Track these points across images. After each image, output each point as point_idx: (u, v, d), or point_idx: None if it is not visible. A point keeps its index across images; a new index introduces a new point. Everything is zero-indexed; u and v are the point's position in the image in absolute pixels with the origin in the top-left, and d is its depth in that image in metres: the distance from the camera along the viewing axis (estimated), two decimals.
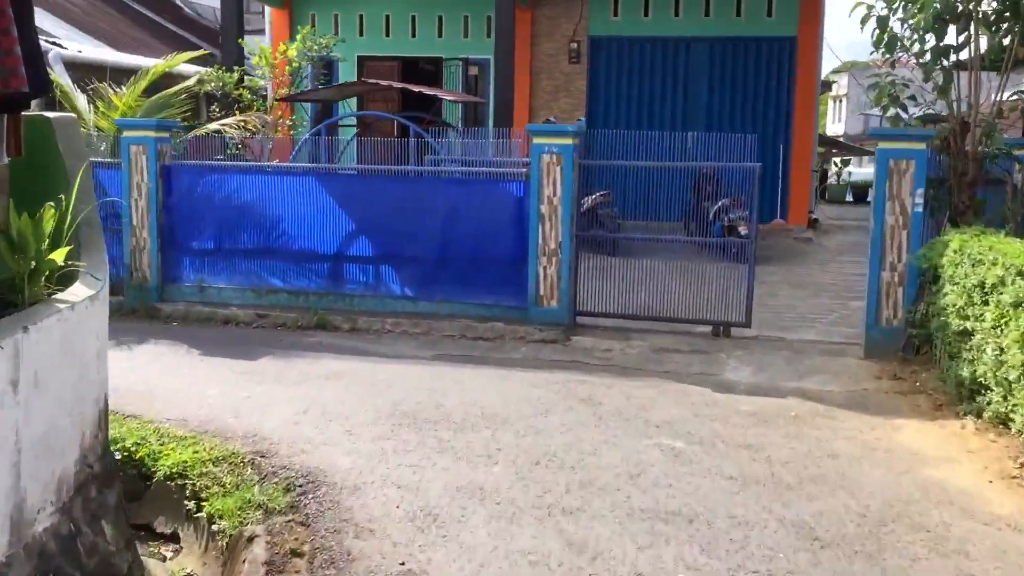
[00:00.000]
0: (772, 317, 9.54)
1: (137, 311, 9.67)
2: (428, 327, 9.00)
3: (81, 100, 11.03)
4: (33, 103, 4.28)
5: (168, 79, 11.83)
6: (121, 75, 11.65)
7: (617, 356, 8.23)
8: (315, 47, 13.43)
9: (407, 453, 5.63)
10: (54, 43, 13.59)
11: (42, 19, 15.80)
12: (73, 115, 4.80)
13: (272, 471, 5.40)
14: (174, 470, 5.51)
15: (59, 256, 3.99)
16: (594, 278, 9.26)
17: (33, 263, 3.86)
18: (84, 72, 12.24)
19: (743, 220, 11.97)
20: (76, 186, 4.18)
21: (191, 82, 11.25)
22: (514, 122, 13.65)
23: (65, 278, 4.20)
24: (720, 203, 12.02)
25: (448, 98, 13.22)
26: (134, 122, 9.94)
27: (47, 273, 4.02)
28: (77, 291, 4.04)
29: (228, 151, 11.12)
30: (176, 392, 6.91)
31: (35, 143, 4.53)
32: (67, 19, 17.26)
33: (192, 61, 13.31)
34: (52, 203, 3.98)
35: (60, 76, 11.80)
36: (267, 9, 17.35)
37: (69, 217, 4.14)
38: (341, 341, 8.67)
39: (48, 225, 3.93)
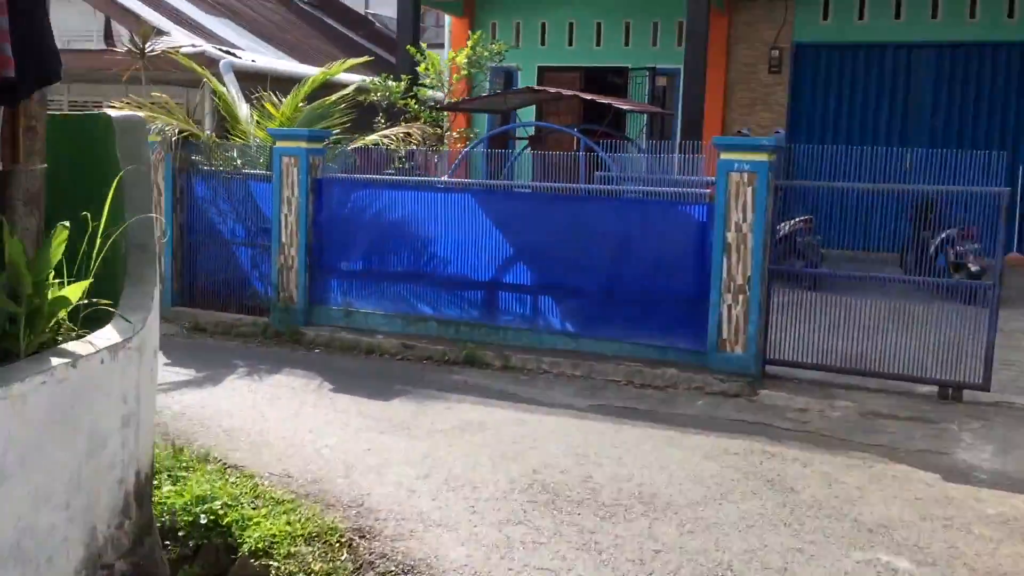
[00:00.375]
0: (1016, 377, 7.70)
1: (282, 335, 8.99)
2: (590, 369, 7.79)
3: (243, 109, 10.56)
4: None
5: (334, 90, 11.21)
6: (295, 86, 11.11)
7: (815, 420, 6.73)
8: (486, 54, 12.53)
9: (537, 548, 4.44)
10: (228, 52, 13.39)
11: (226, 30, 15.81)
12: (140, 115, 3.94)
13: (370, 560, 4.36)
14: (260, 545, 4.59)
15: (73, 292, 3.07)
16: (789, 319, 7.72)
17: (35, 301, 2.96)
18: (257, 82, 11.85)
19: (974, 254, 10.10)
20: (109, 201, 3.26)
21: (349, 90, 10.53)
22: (704, 137, 12.24)
23: (100, 317, 3.31)
24: (944, 233, 10.22)
25: (624, 108, 11.96)
26: (285, 132, 9.26)
27: (61, 313, 3.12)
28: (97, 339, 3.11)
29: (395, 164, 10.33)
30: (290, 439, 6.02)
31: (89, 149, 3.69)
32: (255, 31, 17.30)
33: (369, 72, 12.72)
34: (66, 222, 3.06)
35: (227, 85, 11.45)
36: (447, 19, 16.72)
37: (99, 240, 3.23)
38: (489, 382, 7.59)
39: (57, 252, 3.01)
